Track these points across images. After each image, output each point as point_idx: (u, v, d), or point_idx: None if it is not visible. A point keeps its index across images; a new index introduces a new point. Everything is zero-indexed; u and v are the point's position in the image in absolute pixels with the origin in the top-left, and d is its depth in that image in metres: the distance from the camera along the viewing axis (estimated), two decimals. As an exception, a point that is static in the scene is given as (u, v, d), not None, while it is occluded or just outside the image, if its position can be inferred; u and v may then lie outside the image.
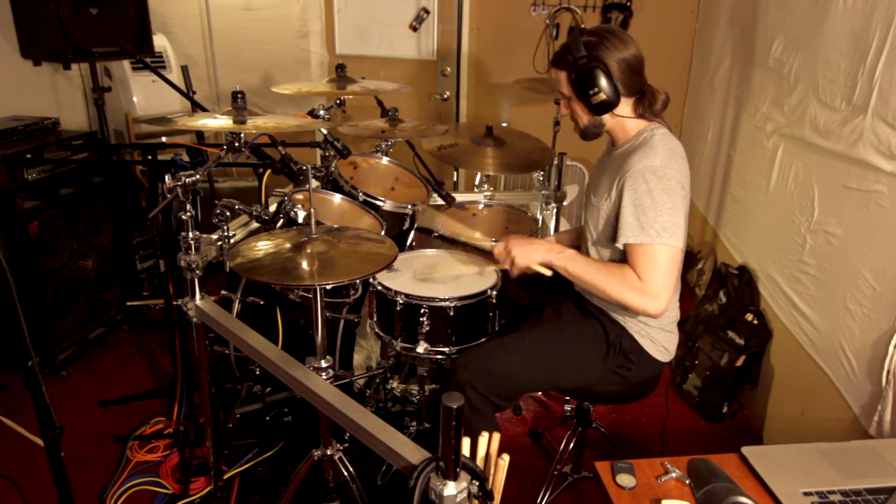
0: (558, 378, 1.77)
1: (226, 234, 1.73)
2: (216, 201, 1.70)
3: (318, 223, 1.56)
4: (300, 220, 1.86)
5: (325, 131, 2.23)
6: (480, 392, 1.65)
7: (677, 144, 1.66)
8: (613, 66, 1.60)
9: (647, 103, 1.66)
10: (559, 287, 1.86)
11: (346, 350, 2.15)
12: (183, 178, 1.55)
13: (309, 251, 1.48)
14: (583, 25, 3.84)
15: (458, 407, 0.91)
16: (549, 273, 1.74)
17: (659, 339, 1.75)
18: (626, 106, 1.68)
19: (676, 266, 1.59)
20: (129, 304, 3.12)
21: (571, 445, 2.15)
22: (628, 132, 1.71)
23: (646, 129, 1.68)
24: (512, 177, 3.98)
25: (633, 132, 1.70)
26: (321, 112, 2.46)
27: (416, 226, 2.33)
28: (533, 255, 1.73)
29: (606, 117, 1.69)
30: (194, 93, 2.62)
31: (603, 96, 1.61)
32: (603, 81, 1.60)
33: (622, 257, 1.65)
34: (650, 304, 1.58)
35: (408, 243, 2.36)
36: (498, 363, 1.69)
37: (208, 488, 2.10)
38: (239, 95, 1.74)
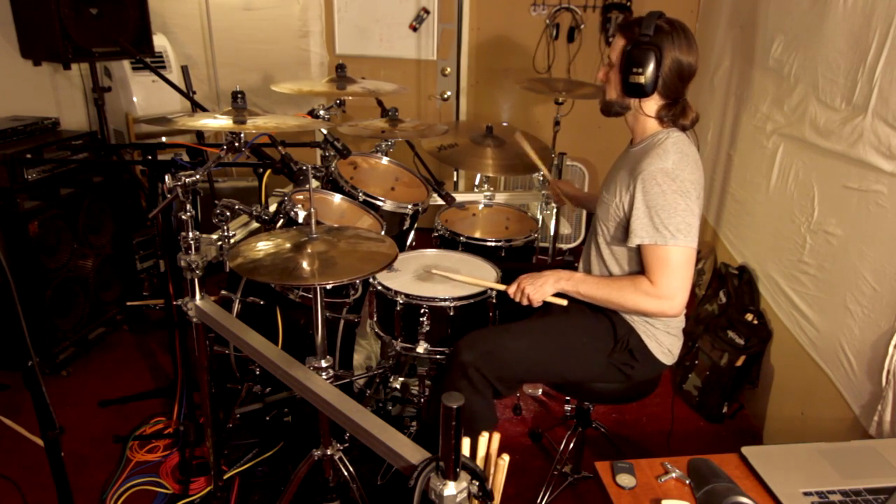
0: (562, 368, 1.77)
1: (226, 234, 1.73)
2: (216, 201, 1.70)
3: (317, 223, 1.57)
4: (300, 220, 1.86)
5: (325, 131, 2.23)
6: (483, 374, 1.66)
7: (691, 148, 1.66)
8: (667, 60, 1.60)
9: (674, 114, 1.66)
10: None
11: (346, 350, 2.15)
12: (183, 178, 1.55)
13: (309, 251, 1.48)
14: (581, 26, 3.84)
15: (459, 407, 0.91)
16: (564, 302, 1.78)
17: (665, 341, 1.76)
18: (653, 104, 1.68)
19: (691, 265, 1.60)
20: (129, 304, 3.12)
21: (571, 445, 2.15)
22: (645, 131, 1.72)
23: (661, 131, 1.68)
24: (512, 177, 3.98)
25: (650, 132, 1.70)
26: (321, 112, 2.46)
27: (415, 226, 2.34)
28: (545, 289, 1.76)
29: (633, 104, 1.70)
30: (194, 93, 2.62)
31: (641, 79, 1.61)
32: (650, 67, 1.59)
33: (635, 255, 1.67)
34: (666, 305, 1.60)
35: (408, 243, 2.36)
36: (503, 347, 1.70)
37: (208, 488, 2.10)
38: (239, 95, 1.74)
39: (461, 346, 1.70)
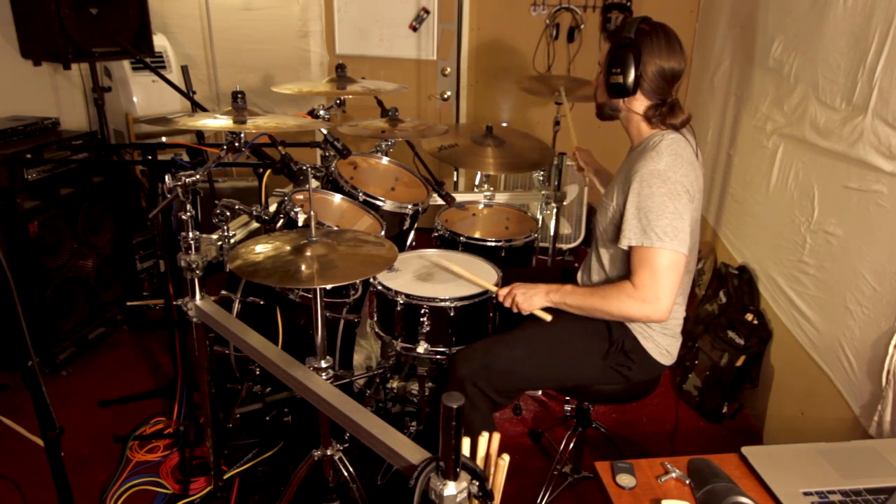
0: (559, 374, 1.78)
1: (226, 234, 1.73)
2: (216, 201, 1.70)
3: (318, 224, 1.56)
4: (300, 222, 1.86)
5: (325, 131, 2.23)
6: (480, 388, 1.67)
7: (686, 150, 1.65)
8: (648, 63, 1.61)
9: (662, 114, 1.66)
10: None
11: (346, 350, 2.15)
12: (183, 178, 1.55)
13: (309, 254, 1.48)
14: (581, 26, 3.84)
15: (458, 407, 0.91)
16: (548, 318, 1.78)
17: (662, 342, 1.76)
18: (640, 104, 1.68)
19: (677, 270, 1.59)
20: (129, 304, 3.12)
21: (571, 445, 2.16)
22: (640, 133, 1.73)
23: (656, 133, 1.69)
24: (512, 177, 3.98)
25: (646, 135, 1.71)
26: (321, 112, 2.46)
27: (415, 226, 2.34)
28: (534, 301, 1.77)
29: (622, 106, 1.71)
30: (194, 93, 2.62)
31: (620, 80, 1.63)
32: (629, 68, 1.61)
33: (626, 257, 1.67)
34: (650, 308, 1.59)
35: (408, 243, 2.36)
36: (499, 359, 1.70)
37: (208, 488, 2.10)
38: (239, 95, 1.74)
39: (457, 360, 1.72)
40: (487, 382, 1.67)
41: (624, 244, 1.61)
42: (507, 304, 1.81)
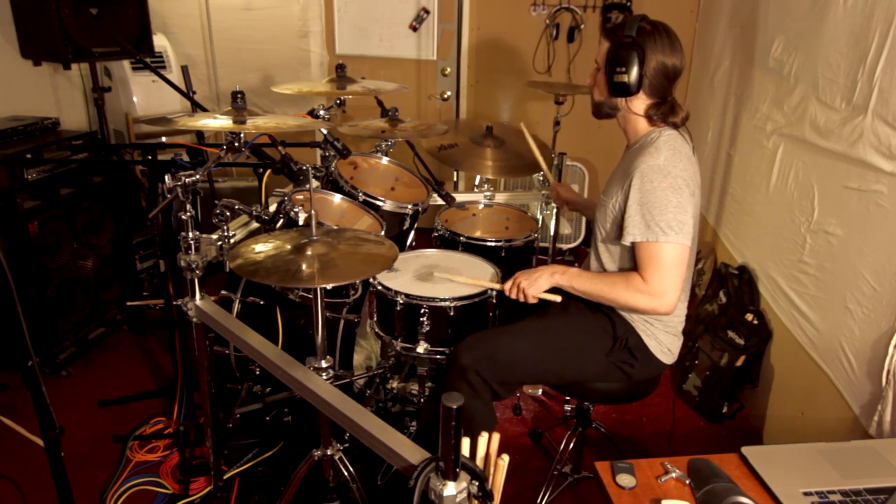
0: (561, 368, 1.78)
1: (226, 234, 1.73)
2: (216, 201, 1.70)
3: (318, 224, 1.56)
4: (300, 222, 1.86)
5: (325, 131, 2.23)
6: (483, 377, 1.67)
7: (684, 146, 1.66)
8: (650, 60, 1.62)
9: (664, 112, 1.67)
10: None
11: (346, 350, 2.15)
12: (183, 178, 1.56)
13: (309, 253, 1.48)
14: (581, 26, 3.84)
15: (458, 407, 0.91)
16: (558, 299, 1.79)
17: (664, 340, 1.76)
18: (641, 103, 1.69)
19: (683, 263, 1.60)
20: (129, 304, 3.12)
21: (571, 445, 2.16)
22: (638, 131, 1.73)
23: (653, 130, 1.69)
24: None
25: (643, 132, 1.72)
26: (321, 112, 2.46)
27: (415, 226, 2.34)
28: (540, 283, 1.77)
29: (621, 105, 1.71)
30: (194, 93, 2.62)
31: (625, 79, 1.63)
32: (633, 67, 1.61)
33: (630, 254, 1.68)
34: (657, 302, 1.60)
35: (408, 243, 2.36)
36: (502, 348, 1.71)
37: (208, 488, 2.10)
38: (239, 95, 1.74)
39: (460, 349, 1.71)
40: (490, 373, 1.67)
41: (627, 240, 1.62)
42: (514, 295, 1.81)
